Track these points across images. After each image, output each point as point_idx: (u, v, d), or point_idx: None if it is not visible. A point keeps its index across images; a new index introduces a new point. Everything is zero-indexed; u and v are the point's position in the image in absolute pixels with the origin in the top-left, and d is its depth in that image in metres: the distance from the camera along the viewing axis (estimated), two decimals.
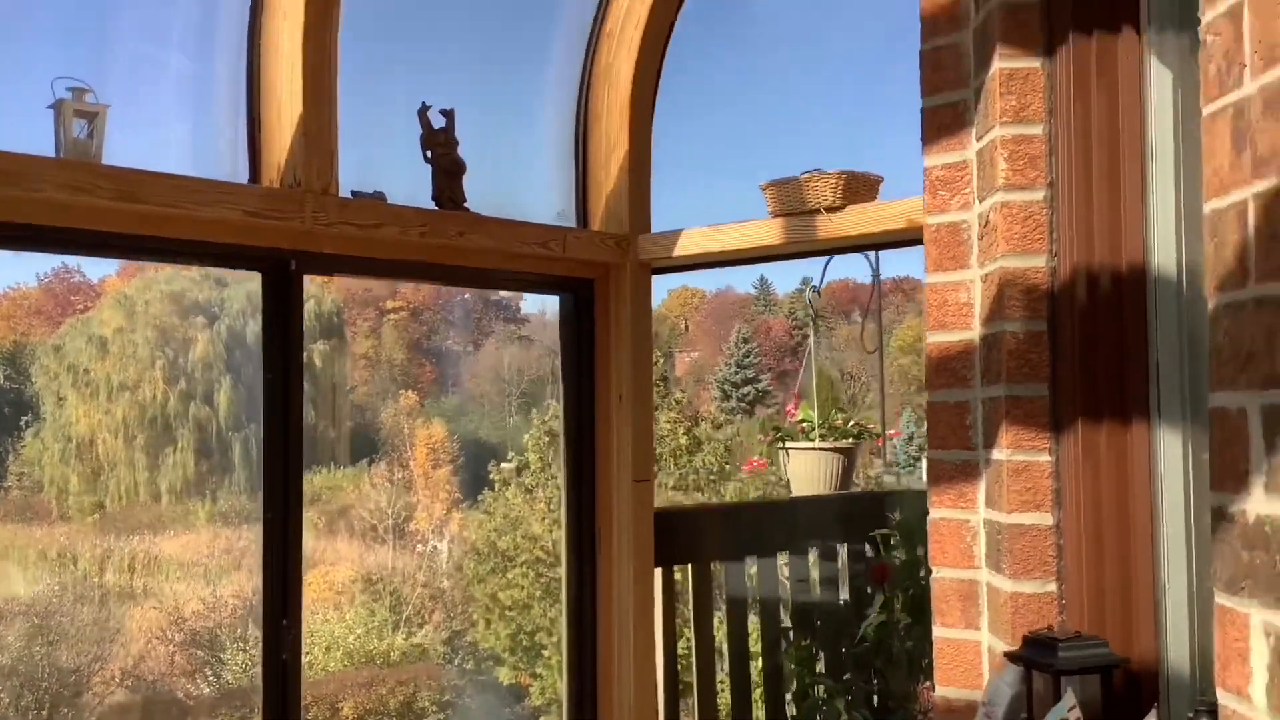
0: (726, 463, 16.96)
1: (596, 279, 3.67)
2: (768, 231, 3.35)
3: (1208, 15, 1.44)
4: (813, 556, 4.38)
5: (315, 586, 18.25)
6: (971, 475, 2.47)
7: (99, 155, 2.65)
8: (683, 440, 16.11)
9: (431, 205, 3.30)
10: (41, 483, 25.08)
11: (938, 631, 2.47)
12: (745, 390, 39.48)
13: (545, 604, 15.30)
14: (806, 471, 4.88)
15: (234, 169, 2.99)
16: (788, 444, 4.96)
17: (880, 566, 3.81)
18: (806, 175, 3.23)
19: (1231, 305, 1.37)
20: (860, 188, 3.22)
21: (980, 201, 2.48)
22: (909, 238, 3.12)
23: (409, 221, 3.13)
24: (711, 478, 16.44)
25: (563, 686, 3.81)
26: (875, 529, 4.39)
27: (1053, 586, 2.25)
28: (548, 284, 3.69)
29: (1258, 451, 1.31)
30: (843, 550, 4.43)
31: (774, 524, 4.41)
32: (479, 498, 18.97)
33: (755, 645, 4.35)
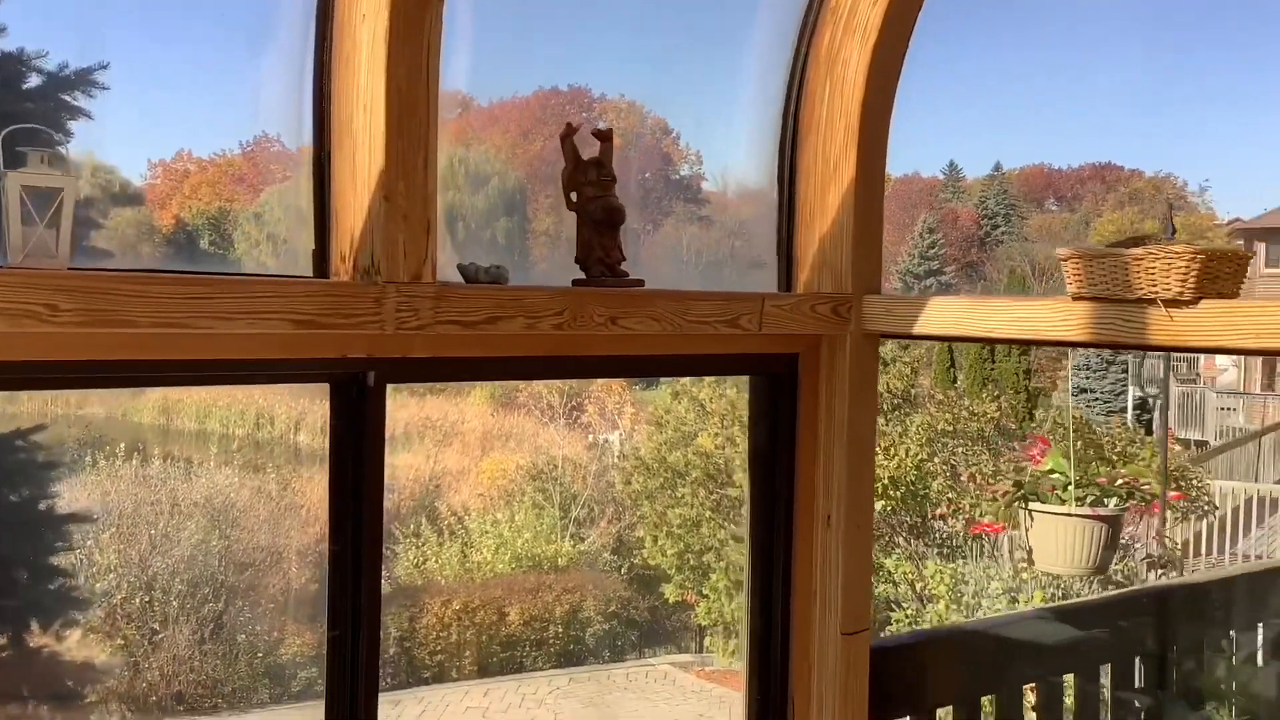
0: (912, 385, 15.96)
1: (803, 352, 2.64)
2: (1064, 320, 2.26)
3: None
4: (1070, 692, 3.35)
5: (489, 474, 18.37)
6: None
7: (64, 252, 1.74)
8: None
9: (574, 273, 2.32)
10: None
11: None
12: (928, 282, 38.12)
13: (715, 523, 14.80)
14: (1055, 542, 3.80)
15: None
16: (1031, 505, 3.88)
17: None
18: (1139, 249, 2.10)
19: None
20: (1222, 271, 2.08)
21: None
22: None
23: (538, 309, 2.15)
24: (896, 402, 15.42)
25: None
26: (1152, 649, 3.33)
27: None
28: (732, 363, 2.68)
29: None
30: (1107, 674, 3.39)
31: (1018, 648, 3.36)
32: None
33: None
